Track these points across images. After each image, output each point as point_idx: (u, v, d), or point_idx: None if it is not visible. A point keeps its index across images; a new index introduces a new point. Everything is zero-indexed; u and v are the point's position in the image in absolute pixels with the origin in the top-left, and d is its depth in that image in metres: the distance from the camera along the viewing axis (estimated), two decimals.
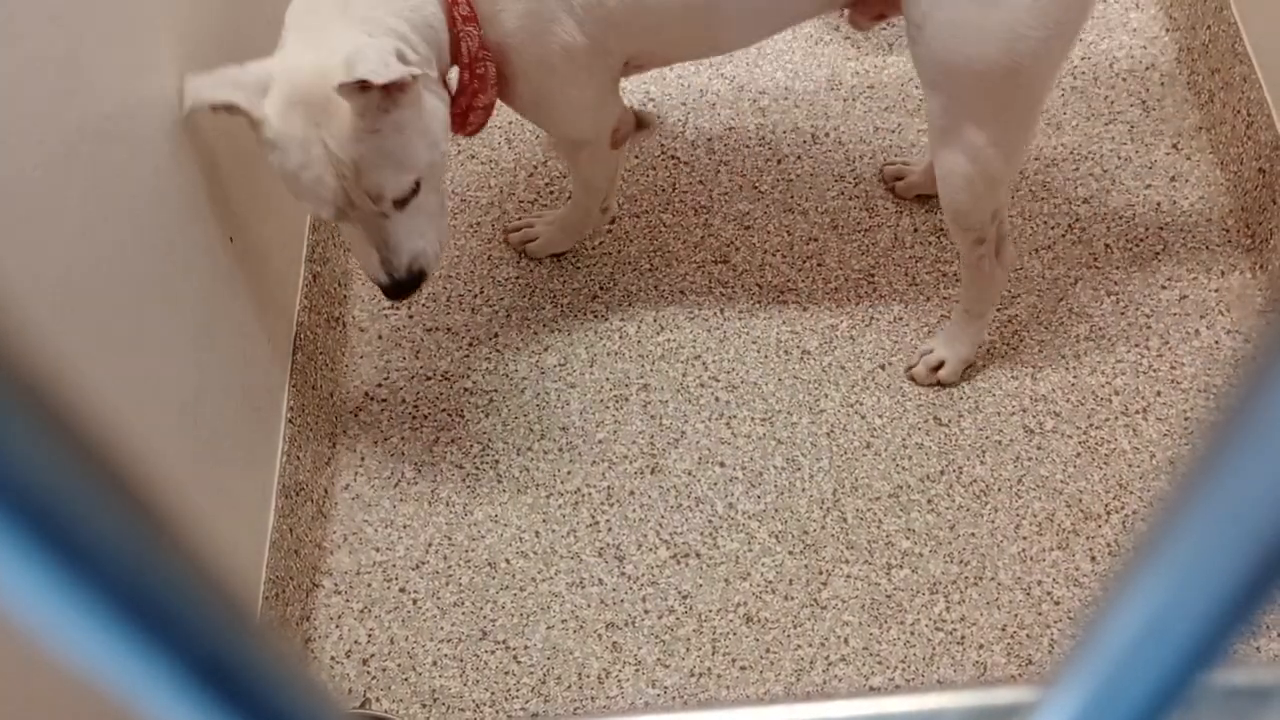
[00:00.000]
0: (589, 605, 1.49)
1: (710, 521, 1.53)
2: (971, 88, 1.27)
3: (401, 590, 1.52)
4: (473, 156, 1.88)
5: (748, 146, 1.86)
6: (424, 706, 1.44)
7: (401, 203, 1.24)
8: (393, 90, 1.16)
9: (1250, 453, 0.17)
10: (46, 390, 0.16)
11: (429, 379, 1.68)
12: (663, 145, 1.87)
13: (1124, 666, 0.21)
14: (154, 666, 0.19)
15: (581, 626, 1.48)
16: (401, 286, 1.29)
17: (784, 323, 1.68)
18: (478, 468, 1.60)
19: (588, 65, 1.36)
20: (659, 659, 1.45)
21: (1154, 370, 1.61)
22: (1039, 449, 1.56)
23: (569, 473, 1.59)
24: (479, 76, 1.31)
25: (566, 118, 1.47)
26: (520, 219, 1.79)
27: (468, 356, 1.70)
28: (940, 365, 1.59)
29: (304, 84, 1.17)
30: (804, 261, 1.74)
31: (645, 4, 1.31)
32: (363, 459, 1.63)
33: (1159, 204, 1.75)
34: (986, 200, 1.37)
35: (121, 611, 0.18)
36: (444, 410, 1.65)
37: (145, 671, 0.19)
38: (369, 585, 1.53)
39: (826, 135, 1.86)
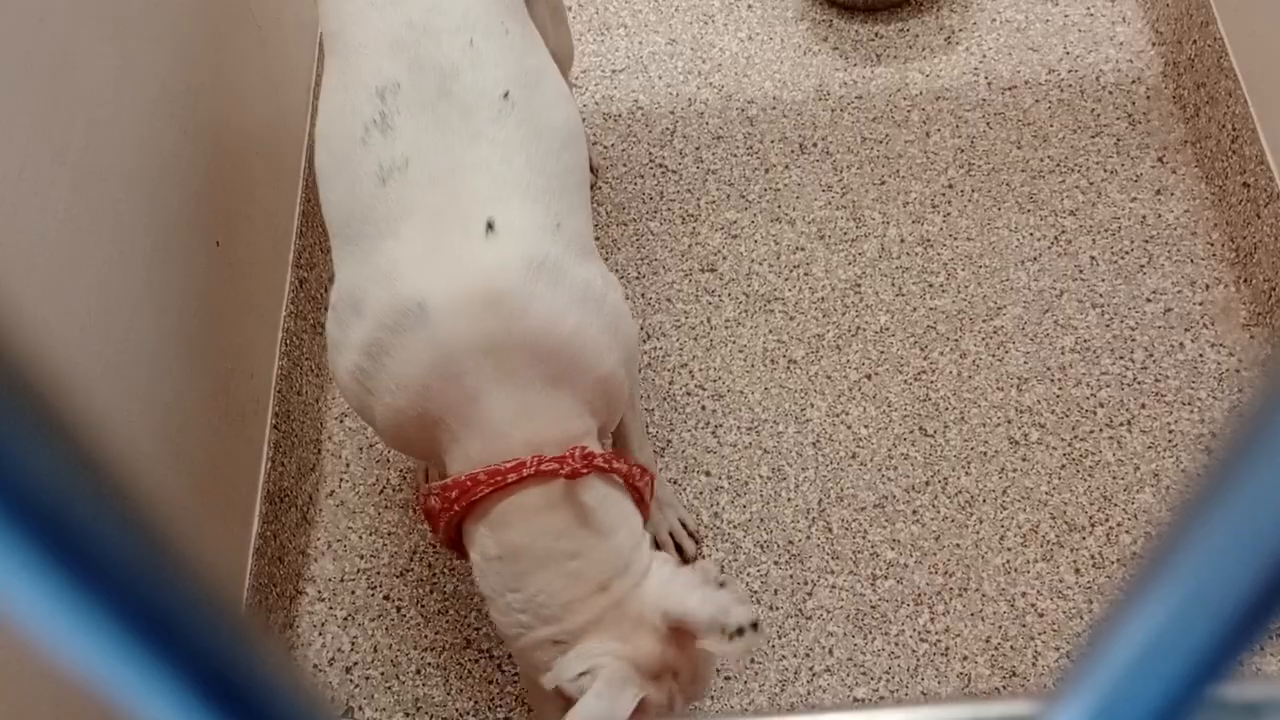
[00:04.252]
0: None
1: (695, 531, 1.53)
2: None
3: (385, 598, 1.51)
4: None
5: (735, 155, 1.86)
6: (407, 715, 1.43)
7: None
8: None
9: (1259, 472, 0.17)
10: (38, 394, 0.16)
11: None
12: (650, 154, 1.87)
13: (1128, 682, 0.21)
14: (149, 671, 0.18)
15: None
16: None
17: (770, 332, 1.68)
18: None
19: None
20: None
21: (1138, 383, 1.61)
22: (1024, 460, 1.56)
23: None
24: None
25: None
26: None
27: None
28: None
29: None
30: (791, 271, 1.74)
31: None
32: (347, 465, 1.62)
33: (1144, 217, 1.76)
34: None
35: (116, 616, 0.18)
36: None
37: (140, 676, 0.18)
38: (353, 593, 1.52)
39: (814, 145, 1.86)
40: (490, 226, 1.05)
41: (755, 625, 1.00)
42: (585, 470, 1.04)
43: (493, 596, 1.09)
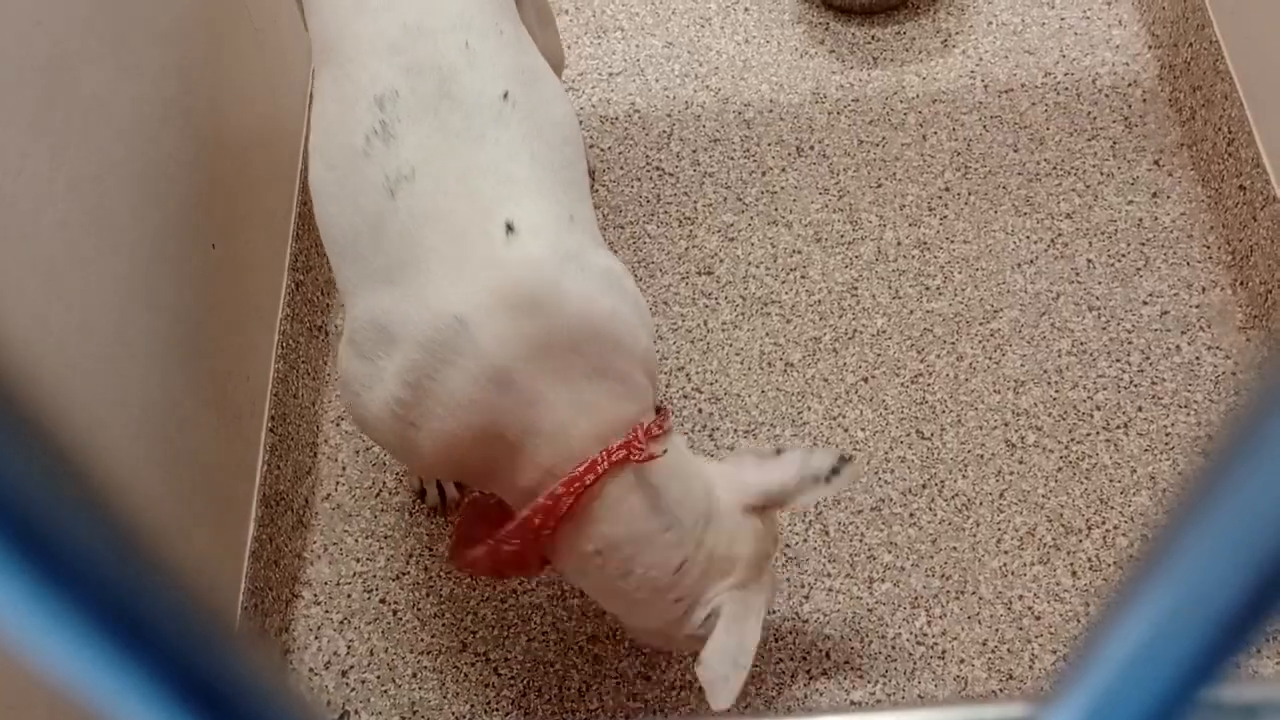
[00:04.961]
0: (570, 617, 1.48)
1: None
2: None
3: (382, 601, 1.51)
4: None
5: (732, 159, 1.86)
6: (403, 719, 1.43)
7: None
8: None
9: (1251, 475, 0.17)
10: (23, 398, 0.16)
11: None
12: (648, 157, 1.87)
13: (1122, 684, 0.21)
14: (135, 679, 0.18)
15: (562, 639, 1.47)
16: None
17: (767, 335, 1.68)
18: None
19: None
20: (640, 672, 1.44)
21: (1135, 385, 1.61)
22: (1020, 463, 1.56)
23: None
24: None
25: None
26: None
27: None
28: None
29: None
30: (787, 274, 1.74)
31: None
32: (344, 469, 1.62)
33: (1141, 220, 1.76)
34: None
35: (101, 624, 0.17)
36: None
37: (126, 685, 0.18)
38: (349, 596, 1.52)
39: (811, 148, 1.86)
40: (510, 228, 1.03)
41: (847, 458, 1.09)
42: (658, 450, 1.05)
43: (602, 592, 1.13)
